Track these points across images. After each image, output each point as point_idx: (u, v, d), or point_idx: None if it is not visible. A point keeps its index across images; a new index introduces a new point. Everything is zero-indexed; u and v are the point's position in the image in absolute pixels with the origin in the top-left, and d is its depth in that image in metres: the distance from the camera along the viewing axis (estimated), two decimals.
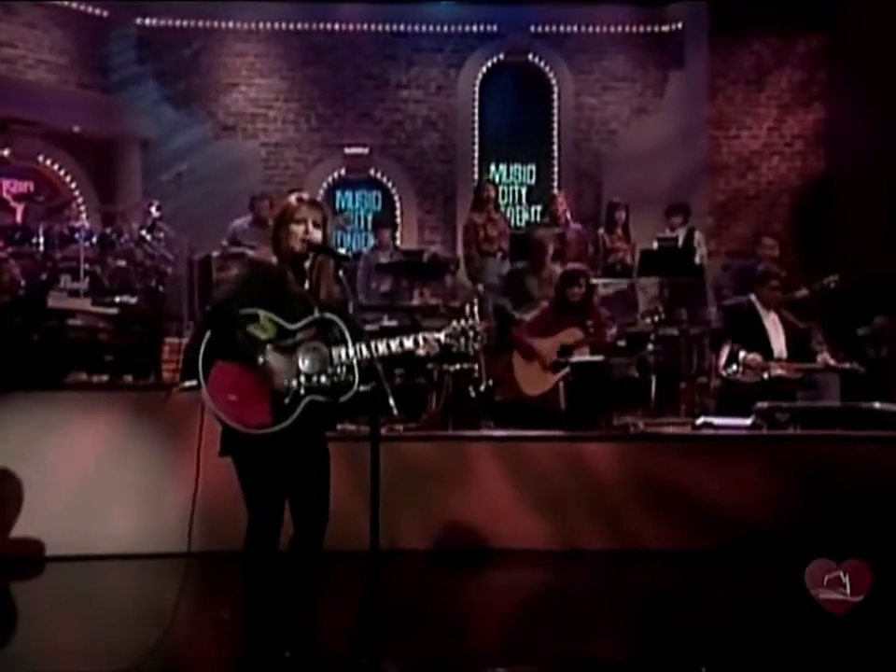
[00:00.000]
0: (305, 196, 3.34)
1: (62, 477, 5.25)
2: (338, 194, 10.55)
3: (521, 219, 10.58)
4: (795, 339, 6.30)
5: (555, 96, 10.63)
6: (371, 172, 10.49)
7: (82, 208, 9.62)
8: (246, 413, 3.08)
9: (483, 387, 6.58)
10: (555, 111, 10.63)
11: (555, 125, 10.64)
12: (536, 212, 10.54)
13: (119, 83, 10.14)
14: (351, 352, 3.18)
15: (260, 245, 8.17)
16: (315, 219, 3.26)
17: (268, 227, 8.40)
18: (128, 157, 10.08)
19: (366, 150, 10.43)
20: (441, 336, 3.27)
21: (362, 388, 3.18)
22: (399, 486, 4.93)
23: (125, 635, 4.06)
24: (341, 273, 3.25)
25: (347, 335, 3.21)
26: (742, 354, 6.13)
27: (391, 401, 2.93)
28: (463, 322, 3.30)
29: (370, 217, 10.32)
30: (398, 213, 10.56)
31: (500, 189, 9.60)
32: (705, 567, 5.10)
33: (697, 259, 8.63)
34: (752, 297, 6.47)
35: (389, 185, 10.59)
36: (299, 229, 3.24)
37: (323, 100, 10.49)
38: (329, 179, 10.47)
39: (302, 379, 3.14)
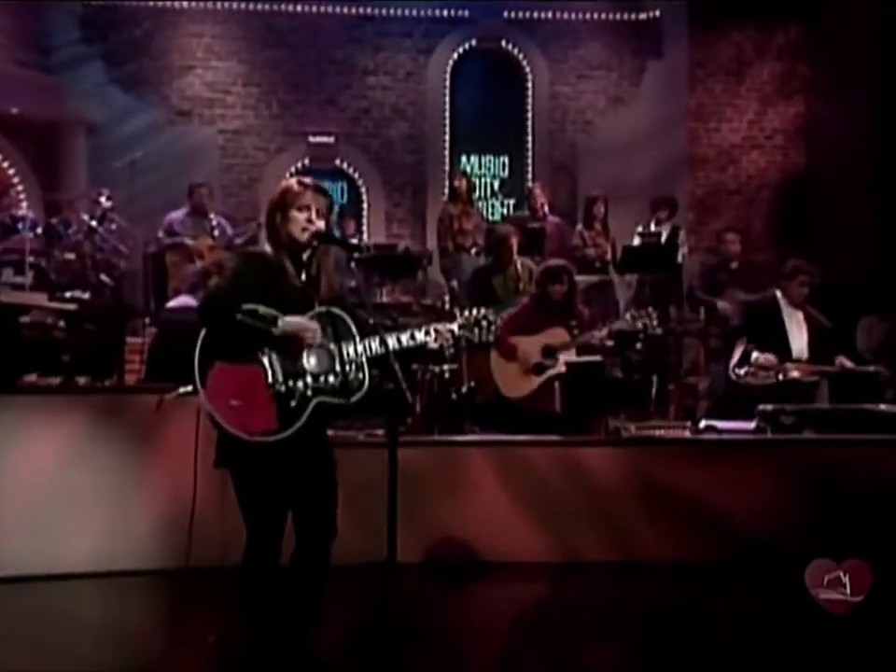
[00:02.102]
0: (309, 181, 3.20)
1: (16, 489, 4.98)
2: None
3: (493, 213, 10.51)
4: (820, 339, 6.19)
5: (529, 85, 10.59)
6: (337, 162, 10.32)
7: (22, 196, 9.27)
8: (250, 419, 2.95)
9: (464, 389, 6.41)
10: (529, 100, 10.60)
11: (529, 115, 10.61)
12: (509, 206, 10.46)
13: (63, 63, 9.79)
14: (360, 348, 3.09)
15: (199, 235, 8.11)
16: (319, 206, 3.14)
17: (203, 218, 8.40)
18: (72, 142, 9.74)
19: (331, 139, 10.28)
20: (455, 327, 3.23)
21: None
22: (385, 495, 4.71)
23: (93, 661, 3.82)
24: (353, 265, 3.07)
25: (355, 330, 3.12)
26: (755, 354, 6.04)
27: (409, 399, 2.83)
28: (475, 311, 3.26)
29: (335, 209, 10.08)
30: (364, 205, 10.41)
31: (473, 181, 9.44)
32: (709, 578, 5.04)
33: (679, 258, 8.58)
34: (778, 293, 6.36)
35: (355, 175, 10.43)
36: (301, 216, 3.11)
37: (285, 85, 10.29)
38: (292, 169, 10.26)
39: (309, 379, 3.03)
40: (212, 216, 8.39)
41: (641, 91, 10.57)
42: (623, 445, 5.52)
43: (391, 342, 3.09)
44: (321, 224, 3.12)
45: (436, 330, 3.18)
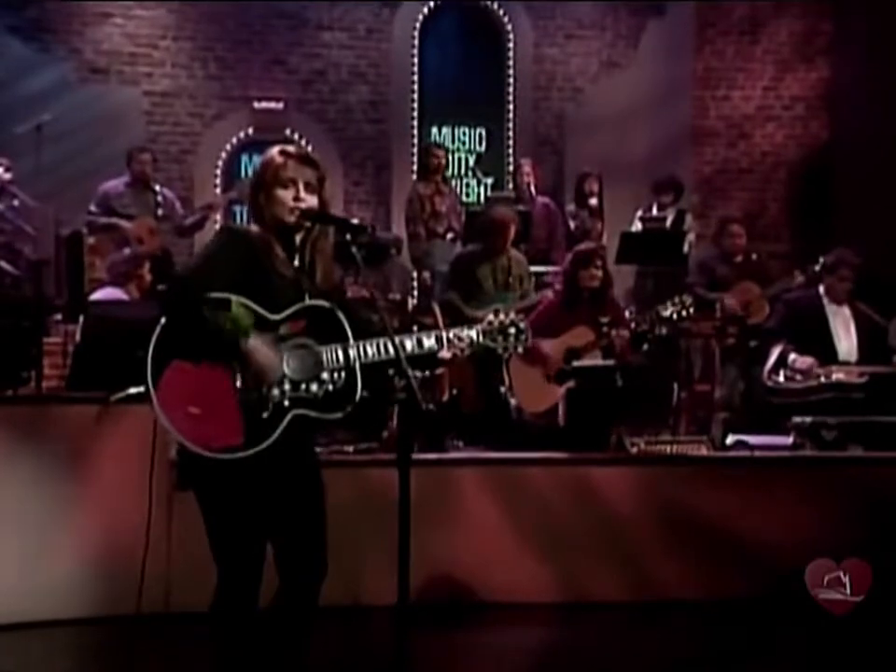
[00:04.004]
0: (292, 149, 3.10)
1: None
2: (244, 158, 10.24)
3: (469, 194, 10.49)
4: (871, 337, 6.23)
5: (510, 45, 10.56)
6: (287, 132, 10.15)
7: None
8: (211, 431, 2.86)
9: (445, 397, 6.38)
10: (510, 64, 10.57)
11: (510, 81, 10.57)
12: (487, 185, 10.43)
13: None
14: (353, 353, 2.99)
15: (141, 211, 7.94)
16: (307, 179, 3.04)
17: (146, 190, 8.22)
18: None
19: (279, 105, 10.17)
20: (474, 334, 3.11)
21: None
22: (363, 525, 4.76)
23: None
24: (355, 249, 2.97)
25: (349, 330, 3.02)
26: (791, 356, 6.06)
27: (423, 410, 2.82)
28: (502, 316, 3.15)
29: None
30: None
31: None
32: (741, 619, 5.03)
33: (686, 247, 8.62)
34: (821, 288, 6.38)
35: (308, 148, 10.20)
36: (286, 194, 3.02)
37: (224, 41, 10.15)
38: (234, 140, 10.17)
39: (287, 387, 2.94)
40: (157, 188, 8.24)
41: (639, 54, 10.55)
42: (639, 464, 5.52)
43: (392, 349, 2.97)
44: (312, 200, 3.03)
45: (450, 338, 3.07)
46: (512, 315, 3.15)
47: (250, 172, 9.86)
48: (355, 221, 3.10)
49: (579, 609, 5.19)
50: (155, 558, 4.28)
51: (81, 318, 6.08)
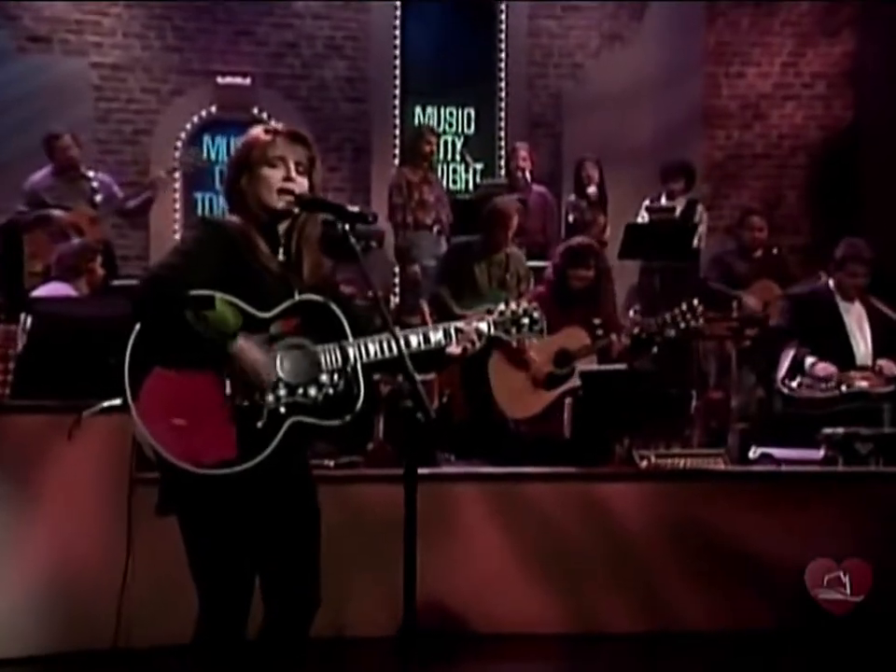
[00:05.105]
0: (281, 126, 3.09)
1: None
2: (206, 139, 10.19)
3: (456, 181, 10.48)
4: (886, 337, 6.27)
5: (502, 17, 10.54)
6: (254, 111, 10.11)
7: None
8: (200, 445, 2.83)
9: (435, 405, 6.42)
10: (502, 37, 10.55)
11: (502, 56, 10.55)
12: (476, 171, 10.38)
13: None
14: (353, 351, 2.98)
15: (77, 201, 7.88)
16: (298, 160, 3.02)
17: (77, 177, 8.14)
18: None
19: (246, 81, 10.13)
20: (484, 325, 3.14)
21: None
22: (348, 547, 4.77)
23: None
24: (353, 240, 2.94)
25: (347, 327, 3.02)
26: (809, 361, 6.10)
27: (431, 417, 2.79)
28: (513, 305, 3.19)
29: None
30: None
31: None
32: (768, 651, 5.05)
33: (696, 241, 8.65)
34: (830, 282, 6.40)
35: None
36: (275, 173, 2.99)
37: (184, 9, 10.09)
38: (194, 119, 10.10)
39: (283, 391, 2.92)
40: (91, 174, 8.16)
41: (645, 27, 10.54)
42: (653, 480, 5.54)
43: (396, 345, 2.96)
44: (303, 183, 3.00)
45: (458, 330, 3.07)
46: (524, 304, 3.19)
47: (213, 154, 10.07)
48: (354, 209, 3.05)
49: (587, 641, 5.19)
50: (111, 588, 4.23)
51: (24, 317, 6.01)
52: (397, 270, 8.99)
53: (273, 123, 3.12)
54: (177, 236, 9.69)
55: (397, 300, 8.97)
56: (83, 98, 9.81)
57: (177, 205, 9.86)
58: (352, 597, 4.99)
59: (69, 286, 6.58)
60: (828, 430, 5.70)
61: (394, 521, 4.97)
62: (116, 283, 7.05)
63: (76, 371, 5.00)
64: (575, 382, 6.00)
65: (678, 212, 8.81)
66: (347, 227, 2.93)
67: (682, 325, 5.73)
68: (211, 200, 10.00)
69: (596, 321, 6.04)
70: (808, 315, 6.38)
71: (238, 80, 10.11)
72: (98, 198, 8.03)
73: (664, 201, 8.86)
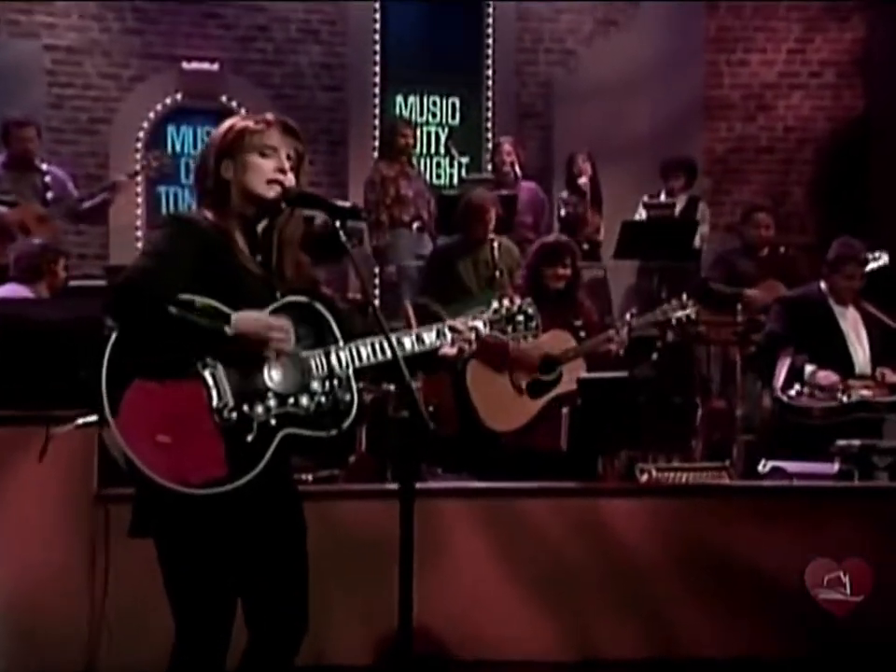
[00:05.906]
0: (272, 116, 3.08)
1: None
2: (170, 130, 10.21)
3: (440, 175, 10.54)
4: (883, 344, 6.34)
5: (489, 1, 10.56)
6: (223, 99, 10.14)
7: None
8: (187, 463, 2.82)
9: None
10: (489, 22, 10.59)
11: (489, 42, 10.59)
12: (461, 165, 10.46)
13: None
14: (344, 356, 2.99)
15: (26, 196, 7.86)
16: (289, 152, 3.05)
17: (28, 170, 8.10)
18: None
19: (213, 66, 10.15)
20: (480, 323, 3.20)
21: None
22: (328, 569, 4.38)
23: None
24: (344, 238, 2.94)
25: (336, 331, 3.04)
26: (809, 369, 6.14)
27: (430, 427, 2.81)
28: (507, 302, 3.25)
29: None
30: None
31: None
32: None
33: (697, 240, 8.72)
34: (823, 285, 6.45)
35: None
36: (267, 164, 3.00)
37: None
38: (158, 107, 10.10)
39: (272, 402, 2.92)
40: (44, 167, 8.14)
41: (642, 11, 10.57)
42: (656, 496, 5.55)
43: (380, 346, 3.01)
44: (293, 177, 3.01)
45: (452, 329, 3.12)
46: (519, 301, 3.25)
47: (176, 148, 10.04)
48: (345, 204, 3.05)
49: (586, 668, 5.18)
50: (76, 612, 4.20)
51: None
52: (377, 270, 8.99)
53: (263, 114, 3.08)
54: (139, 233, 9.70)
55: (377, 302, 8.98)
56: (35, 84, 9.76)
57: (139, 199, 9.82)
58: (335, 622, 4.97)
59: (27, 288, 6.55)
60: (842, 442, 5.73)
61: (374, 540, 5.05)
62: (73, 283, 7.05)
63: (35, 378, 4.97)
64: (568, 386, 6.02)
65: (678, 209, 8.88)
66: (338, 224, 2.93)
67: (672, 317, 5.87)
68: (176, 194, 10.02)
69: (577, 322, 6.09)
70: (802, 321, 6.43)
71: (205, 66, 10.11)
72: (49, 195, 7.99)
73: (663, 198, 8.94)
